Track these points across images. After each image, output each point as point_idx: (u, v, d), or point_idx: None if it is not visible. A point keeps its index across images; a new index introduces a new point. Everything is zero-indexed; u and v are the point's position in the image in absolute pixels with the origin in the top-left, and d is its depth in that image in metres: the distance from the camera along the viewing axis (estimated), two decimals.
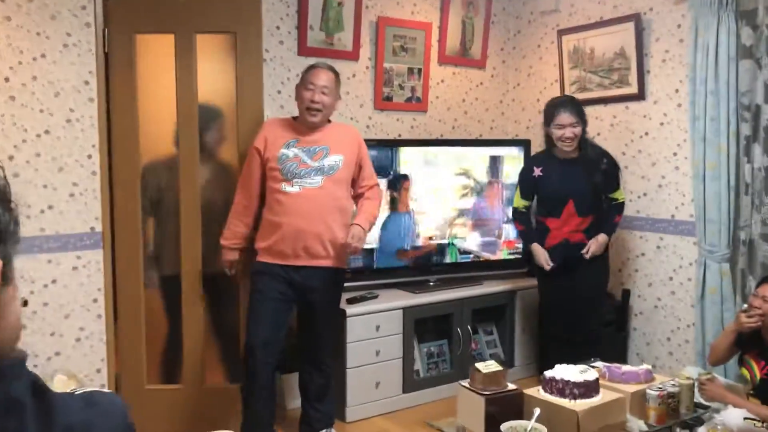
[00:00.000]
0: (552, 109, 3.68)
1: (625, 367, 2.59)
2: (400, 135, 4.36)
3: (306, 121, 3.21)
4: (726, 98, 3.54)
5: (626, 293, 4.22)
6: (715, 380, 2.88)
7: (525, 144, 4.50)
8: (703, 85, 3.60)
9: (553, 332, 3.87)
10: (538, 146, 4.71)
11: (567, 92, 4.51)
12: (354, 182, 3.32)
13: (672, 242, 3.98)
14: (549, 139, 3.75)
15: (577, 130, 3.63)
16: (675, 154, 3.94)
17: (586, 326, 3.75)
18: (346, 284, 3.47)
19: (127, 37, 3.41)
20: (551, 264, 3.74)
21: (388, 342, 3.83)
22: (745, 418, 2.92)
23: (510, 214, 4.16)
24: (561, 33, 4.50)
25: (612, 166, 3.78)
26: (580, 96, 4.43)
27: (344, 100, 4.02)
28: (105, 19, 3.37)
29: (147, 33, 3.47)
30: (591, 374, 2.38)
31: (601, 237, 3.72)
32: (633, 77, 4.10)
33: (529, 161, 4.02)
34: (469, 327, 4.19)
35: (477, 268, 4.41)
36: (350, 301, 3.74)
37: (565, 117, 3.62)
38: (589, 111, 4.39)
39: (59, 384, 1.55)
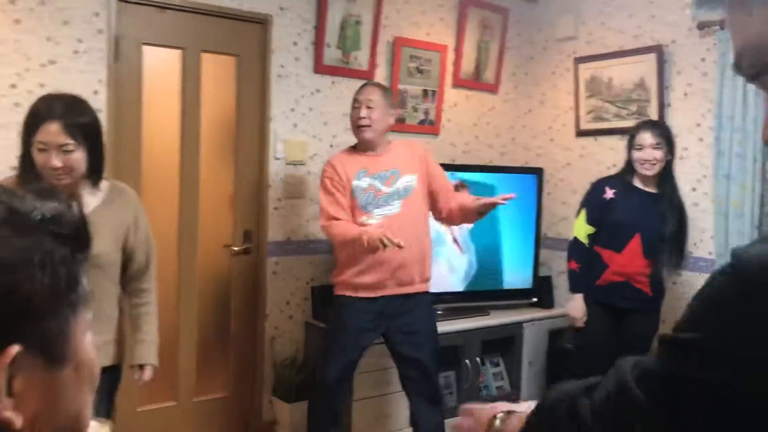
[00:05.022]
0: (634, 130, 3.39)
1: None
2: None
3: (360, 141, 3.08)
4: (752, 135, 3.47)
5: None
6: None
7: (538, 172, 4.40)
8: (729, 121, 3.53)
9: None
10: (549, 175, 4.65)
11: (582, 121, 4.44)
12: (436, 197, 3.14)
13: (688, 279, 3.88)
14: (628, 166, 3.41)
15: (659, 153, 3.28)
16: (694, 189, 3.86)
17: None
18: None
19: (136, 47, 3.29)
20: (582, 321, 3.46)
21: (397, 373, 3.68)
22: None
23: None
24: (578, 61, 4.42)
25: (682, 221, 3.38)
26: (595, 125, 4.38)
27: None
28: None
29: (155, 45, 3.36)
30: None
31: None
32: (653, 109, 4.02)
33: (601, 181, 3.52)
34: (477, 359, 4.06)
35: (484, 298, 4.29)
36: None
37: (647, 136, 3.29)
38: (605, 141, 4.35)
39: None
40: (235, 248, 3.64)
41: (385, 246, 2.67)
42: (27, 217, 0.63)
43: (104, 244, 2.17)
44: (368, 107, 3.01)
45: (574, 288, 3.51)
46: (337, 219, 2.96)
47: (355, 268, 3.00)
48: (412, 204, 3.04)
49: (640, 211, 3.36)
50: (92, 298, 1.92)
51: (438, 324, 3.87)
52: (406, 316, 3.08)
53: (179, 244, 3.50)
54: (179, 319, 3.53)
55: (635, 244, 3.33)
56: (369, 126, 3.01)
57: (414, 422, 3.24)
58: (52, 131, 1.99)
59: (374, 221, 2.94)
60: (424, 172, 3.10)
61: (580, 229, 3.49)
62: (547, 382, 4.35)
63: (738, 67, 0.72)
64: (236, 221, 3.65)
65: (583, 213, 3.49)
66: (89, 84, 3.12)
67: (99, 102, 3.15)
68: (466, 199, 3.15)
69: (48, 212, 0.64)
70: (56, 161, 2.00)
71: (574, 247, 3.51)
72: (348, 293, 3.06)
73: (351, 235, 2.86)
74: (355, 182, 3.00)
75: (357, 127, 3.04)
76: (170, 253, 3.48)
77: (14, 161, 2.97)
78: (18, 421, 0.60)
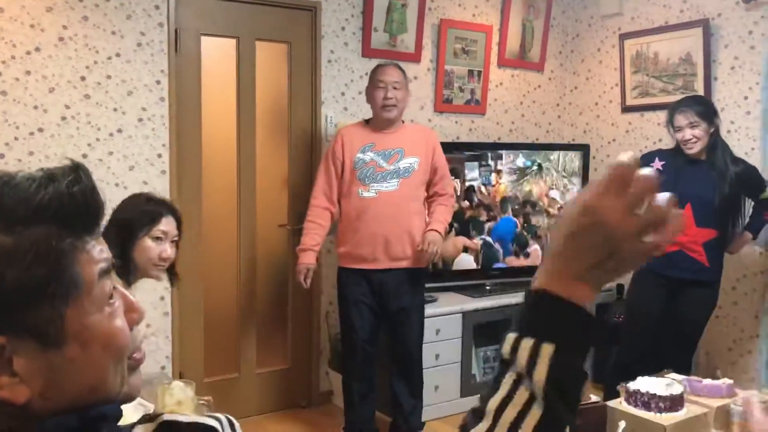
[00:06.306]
0: (670, 113, 3.37)
1: (707, 381, 2.55)
2: (458, 137, 4.34)
3: (382, 120, 3.21)
4: None
5: None
6: None
7: (584, 149, 4.45)
8: None
9: (622, 361, 3.49)
10: (595, 150, 4.69)
11: (628, 97, 4.46)
12: (428, 186, 3.31)
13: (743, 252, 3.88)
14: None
15: (698, 131, 3.25)
16: None
17: (673, 360, 3.17)
18: None
19: (194, 38, 3.46)
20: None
21: (448, 346, 3.82)
22: None
23: None
24: (623, 37, 4.44)
25: (747, 171, 3.36)
26: (641, 101, 4.40)
27: None
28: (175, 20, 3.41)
29: (212, 35, 3.53)
30: (676, 388, 2.34)
31: (745, 235, 3.44)
32: (699, 83, 4.03)
33: (653, 152, 3.59)
34: None
35: (532, 273, 4.35)
36: None
37: (680, 118, 3.28)
38: (651, 117, 4.37)
39: (178, 390, 1.55)
40: (290, 228, 3.81)
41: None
42: (14, 210, 0.66)
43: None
44: (395, 88, 3.16)
45: None
46: (318, 205, 3.23)
47: (350, 241, 3.20)
48: (410, 184, 3.19)
49: (690, 180, 3.34)
50: None
51: (489, 298, 4.02)
52: (399, 289, 3.22)
53: (238, 225, 3.68)
54: (240, 296, 3.73)
55: (686, 212, 3.31)
56: (395, 106, 3.17)
57: (394, 399, 3.40)
58: (172, 224, 2.13)
59: (370, 194, 3.15)
60: (429, 158, 3.25)
61: None
62: (595, 356, 4.41)
63: None
64: (291, 202, 3.82)
65: None
66: (152, 74, 3.31)
67: (162, 91, 3.34)
68: (431, 223, 3.25)
69: (43, 200, 0.66)
70: (171, 251, 2.12)
71: None
72: (346, 264, 3.25)
73: (304, 237, 3.24)
74: (358, 155, 3.18)
75: (383, 107, 3.17)
76: (230, 234, 3.67)
77: (86, 147, 3.19)
78: (19, 398, 0.65)
